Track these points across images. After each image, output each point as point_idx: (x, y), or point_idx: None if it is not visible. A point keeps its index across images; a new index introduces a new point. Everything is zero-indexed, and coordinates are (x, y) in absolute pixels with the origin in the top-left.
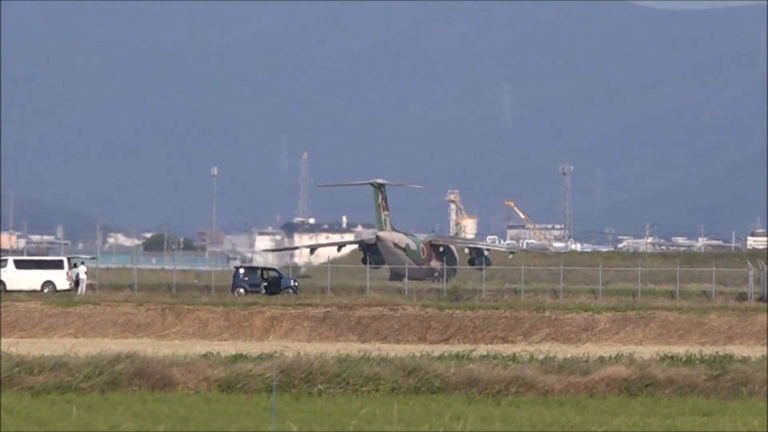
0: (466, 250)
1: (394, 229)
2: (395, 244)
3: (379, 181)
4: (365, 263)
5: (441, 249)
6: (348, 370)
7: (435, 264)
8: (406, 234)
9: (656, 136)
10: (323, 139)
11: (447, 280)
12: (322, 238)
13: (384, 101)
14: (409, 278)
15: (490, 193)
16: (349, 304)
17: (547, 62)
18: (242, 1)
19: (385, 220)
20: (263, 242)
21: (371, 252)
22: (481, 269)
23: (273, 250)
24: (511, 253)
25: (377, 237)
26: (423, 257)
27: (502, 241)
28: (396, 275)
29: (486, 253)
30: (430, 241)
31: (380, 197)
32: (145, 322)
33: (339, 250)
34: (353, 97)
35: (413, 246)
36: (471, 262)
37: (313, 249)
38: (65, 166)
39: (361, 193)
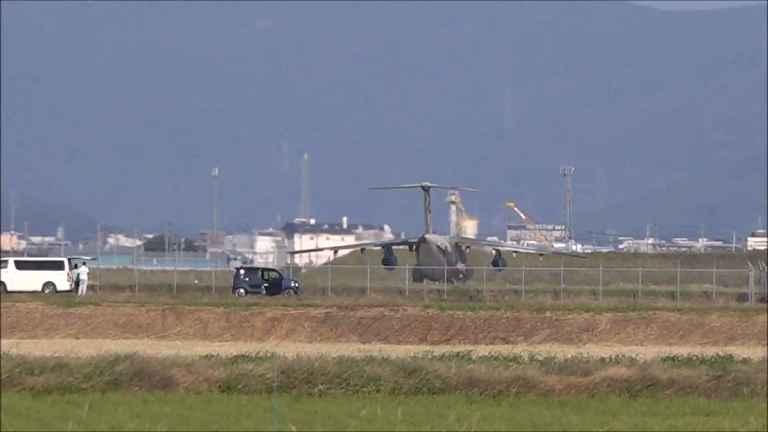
0: (494, 252)
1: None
2: (438, 247)
3: (427, 183)
4: (385, 264)
5: (467, 250)
6: (349, 370)
7: (460, 266)
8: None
9: (658, 137)
10: (325, 139)
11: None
12: (322, 239)
13: (386, 101)
14: (434, 280)
15: (491, 194)
16: (349, 305)
17: (549, 63)
18: (244, 1)
19: (429, 223)
20: (264, 243)
21: (389, 254)
22: (500, 270)
23: (296, 252)
24: (540, 255)
25: (424, 239)
26: (453, 259)
27: (502, 242)
28: (422, 276)
29: (514, 255)
30: (456, 243)
31: (427, 200)
32: (145, 322)
33: (363, 251)
34: (355, 97)
35: (449, 248)
36: (495, 263)
37: (336, 251)
38: (66, 166)
39: (362, 194)
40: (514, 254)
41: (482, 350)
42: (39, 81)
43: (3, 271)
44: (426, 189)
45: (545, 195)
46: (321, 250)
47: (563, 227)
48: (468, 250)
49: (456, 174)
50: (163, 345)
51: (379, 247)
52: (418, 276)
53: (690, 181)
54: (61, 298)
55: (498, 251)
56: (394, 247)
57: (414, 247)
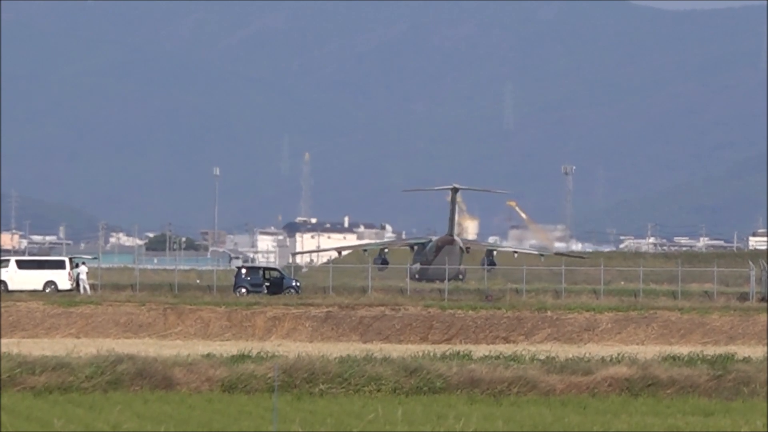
0: (496, 252)
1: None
2: (461, 248)
3: (457, 185)
4: (382, 263)
5: (468, 251)
6: (350, 370)
7: (461, 266)
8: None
9: (659, 136)
10: (327, 139)
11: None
12: (324, 238)
13: (387, 101)
14: (438, 280)
15: (492, 194)
16: (350, 304)
17: (551, 62)
18: (244, 1)
19: (455, 224)
20: (265, 242)
21: (384, 254)
22: (489, 270)
23: (305, 252)
24: (541, 255)
25: (452, 240)
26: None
27: (504, 242)
28: (428, 276)
29: (515, 255)
30: None
31: (455, 202)
32: (147, 322)
33: (365, 251)
34: (357, 96)
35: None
36: (491, 263)
37: (340, 251)
38: (67, 165)
39: (363, 193)
40: (515, 254)
41: (483, 350)
42: (38, 80)
43: (4, 271)
44: (455, 191)
45: (548, 194)
46: (328, 250)
47: (564, 227)
48: (468, 251)
49: (456, 174)
50: (164, 344)
51: (403, 247)
52: (423, 276)
53: (690, 180)
54: (62, 298)
55: (489, 251)
56: (393, 248)
57: (434, 247)
